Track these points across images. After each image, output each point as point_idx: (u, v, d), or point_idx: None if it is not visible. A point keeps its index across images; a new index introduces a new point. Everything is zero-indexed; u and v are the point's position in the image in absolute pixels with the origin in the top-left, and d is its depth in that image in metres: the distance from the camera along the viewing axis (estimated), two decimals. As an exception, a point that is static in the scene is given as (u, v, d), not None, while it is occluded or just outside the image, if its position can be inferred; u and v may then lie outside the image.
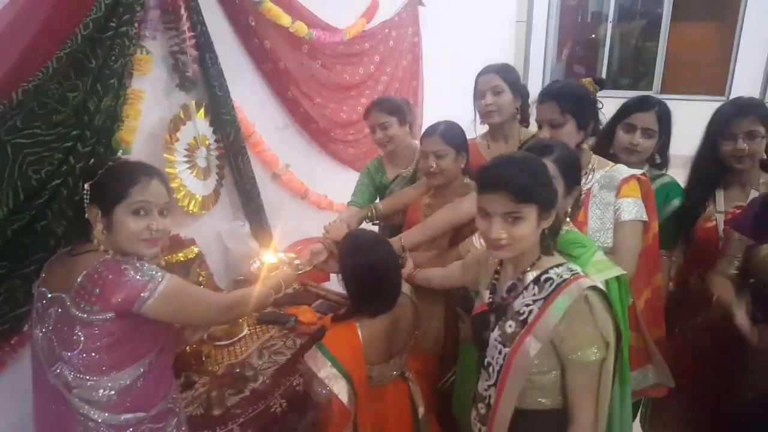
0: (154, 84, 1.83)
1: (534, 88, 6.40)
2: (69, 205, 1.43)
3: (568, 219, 1.36)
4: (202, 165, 2.01)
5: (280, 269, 1.71)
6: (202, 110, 2.00)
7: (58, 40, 1.40)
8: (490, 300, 1.22)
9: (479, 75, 1.97)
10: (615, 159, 1.76)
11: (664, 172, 1.86)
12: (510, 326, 1.12)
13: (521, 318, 1.11)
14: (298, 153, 2.76)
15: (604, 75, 6.43)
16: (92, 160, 1.46)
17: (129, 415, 1.19)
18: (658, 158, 1.81)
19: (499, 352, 1.13)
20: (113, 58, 1.56)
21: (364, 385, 1.37)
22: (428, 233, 1.73)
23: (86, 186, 1.21)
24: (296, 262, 1.84)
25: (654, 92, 6.15)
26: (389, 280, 1.44)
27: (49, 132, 1.41)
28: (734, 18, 5.74)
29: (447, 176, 1.73)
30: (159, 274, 1.18)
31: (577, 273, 1.11)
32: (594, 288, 1.08)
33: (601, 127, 1.73)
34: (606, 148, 1.82)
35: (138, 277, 1.14)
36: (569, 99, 1.59)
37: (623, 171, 1.61)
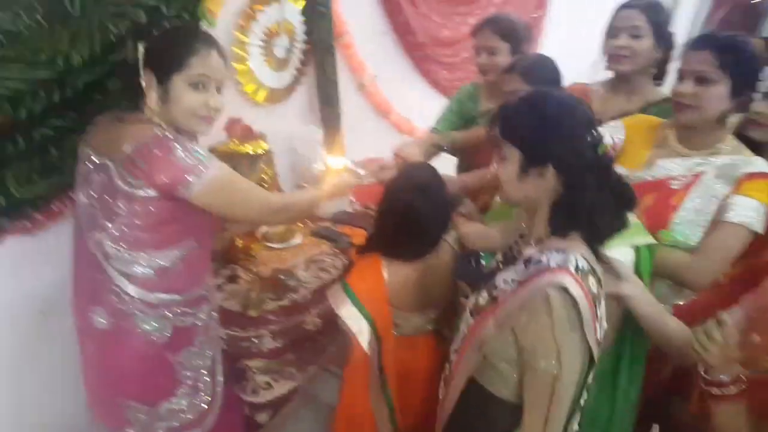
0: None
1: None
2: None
3: None
4: (279, 55, 1.85)
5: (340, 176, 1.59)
6: (296, -6, 1.81)
7: None
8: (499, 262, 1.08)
9: (620, 9, 1.59)
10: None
11: None
12: (483, 298, 1.00)
13: (494, 294, 0.98)
14: (388, 66, 2.53)
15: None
16: (147, 20, 1.34)
17: (163, 295, 1.16)
18: None
19: (466, 322, 1.03)
20: None
21: (389, 331, 1.27)
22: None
23: (141, 48, 1.11)
24: (362, 172, 1.74)
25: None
26: (433, 227, 1.28)
27: (135, -17, 1.29)
28: None
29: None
30: (210, 160, 1.10)
31: (564, 267, 0.88)
32: (561, 289, 0.86)
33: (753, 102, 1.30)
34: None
35: (188, 159, 1.06)
36: (732, 52, 1.22)
37: (757, 164, 1.23)
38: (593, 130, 0.90)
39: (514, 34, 1.71)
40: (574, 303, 0.86)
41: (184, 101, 1.10)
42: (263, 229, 1.91)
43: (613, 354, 1.20)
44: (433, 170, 1.58)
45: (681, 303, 1.34)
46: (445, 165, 2.08)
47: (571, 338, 0.86)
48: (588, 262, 0.92)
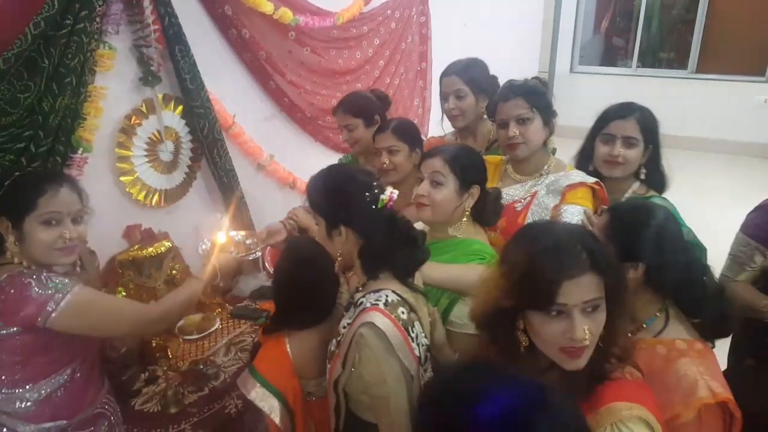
0: (121, 80, 1.81)
1: (563, 65, 6.05)
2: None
3: (464, 218, 1.35)
4: (165, 159, 2.00)
5: (224, 251, 1.64)
6: (171, 103, 1.97)
7: (6, 41, 1.39)
8: None
9: (442, 76, 1.93)
10: (596, 174, 1.63)
11: (654, 193, 1.61)
12: (333, 345, 1.17)
13: (338, 339, 1.15)
14: (287, 141, 2.72)
15: (636, 49, 6.05)
16: (26, 163, 1.45)
17: (49, 424, 1.19)
18: (644, 172, 1.59)
19: (327, 368, 1.18)
20: (70, 55, 1.54)
21: (300, 401, 1.34)
22: None
23: None
24: (248, 241, 1.80)
25: (689, 71, 5.73)
26: (323, 293, 1.39)
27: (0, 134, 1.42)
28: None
29: (401, 173, 1.74)
30: (66, 286, 1.16)
31: (376, 305, 1.07)
32: (369, 325, 1.04)
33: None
34: (585, 163, 1.68)
35: (41, 291, 1.13)
36: (535, 94, 1.56)
37: (572, 177, 1.54)
38: (369, 191, 1.11)
39: (364, 109, 1.93)
40: (381, 333, 1.03)
41: (39, 238, 1.17)
42: (179, 323, 1.96)
43: None
44: (313, 240, 1.72)
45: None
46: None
47: (389, 363, 1.04)
48: (397, 294, 1.11)
